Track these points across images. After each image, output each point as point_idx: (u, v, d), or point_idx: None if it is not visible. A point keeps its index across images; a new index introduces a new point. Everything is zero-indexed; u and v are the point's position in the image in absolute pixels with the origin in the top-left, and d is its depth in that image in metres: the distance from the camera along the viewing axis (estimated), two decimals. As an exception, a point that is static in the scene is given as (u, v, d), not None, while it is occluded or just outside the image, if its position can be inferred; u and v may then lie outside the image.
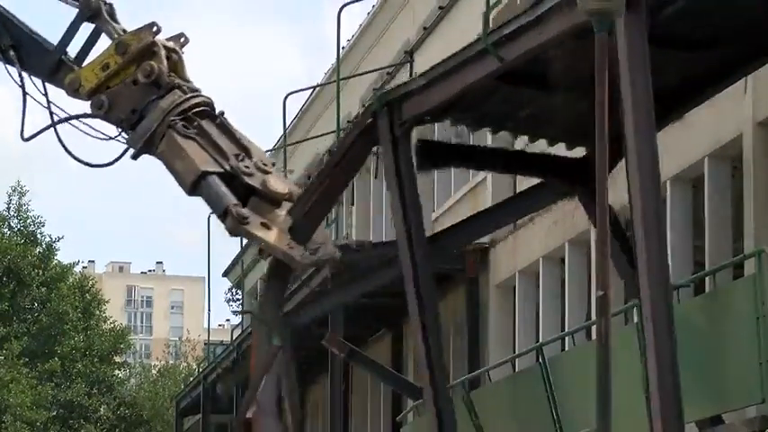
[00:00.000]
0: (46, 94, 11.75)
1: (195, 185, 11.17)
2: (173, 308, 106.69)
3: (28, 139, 11.92)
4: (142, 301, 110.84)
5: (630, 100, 8.26)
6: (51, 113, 11.75)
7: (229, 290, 47.70)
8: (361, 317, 19.66)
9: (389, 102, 10.52)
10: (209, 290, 30.53)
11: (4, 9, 11.87)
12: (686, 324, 10.11)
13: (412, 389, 15.71)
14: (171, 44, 11.61)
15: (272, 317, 11.24)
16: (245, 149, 11.36)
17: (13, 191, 50.26)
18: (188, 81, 11.68)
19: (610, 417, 7.77)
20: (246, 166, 11.19)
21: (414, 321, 10.55)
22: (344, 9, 22.36)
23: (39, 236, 49.55)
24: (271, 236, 10.90)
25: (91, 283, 52.91)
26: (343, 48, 24.99)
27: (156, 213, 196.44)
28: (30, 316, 47.90)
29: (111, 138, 11.59)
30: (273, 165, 11.57)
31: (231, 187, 11.12)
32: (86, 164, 11.88)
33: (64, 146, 11.62)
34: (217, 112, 11.58)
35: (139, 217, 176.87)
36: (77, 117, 11.63)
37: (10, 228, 49.35)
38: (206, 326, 36.07)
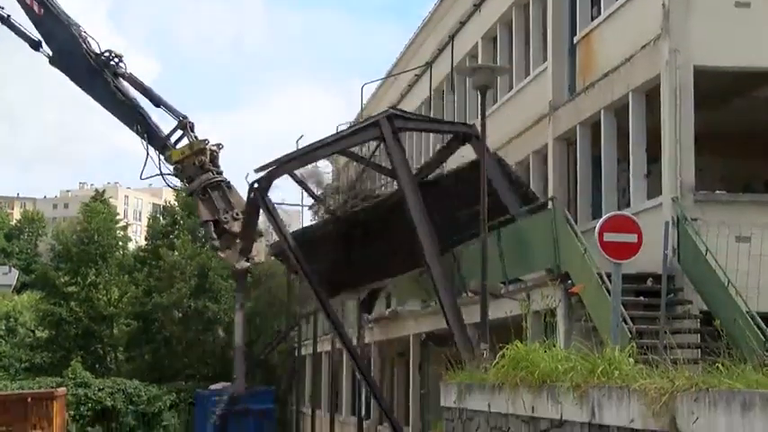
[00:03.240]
0: (159, 159, 24.98)
1: (201, 225, 24.98)
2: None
3: (143, 179, 24.94)
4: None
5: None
6: (160, 168, 24.95)
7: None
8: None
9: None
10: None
11: (145, 113, 25.32)
12: (521, 231, 17.58)
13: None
14: (214, 147, 24.58)
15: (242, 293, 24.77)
16: (230, 205, 23.89)
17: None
18: (217, 167, 24.51)
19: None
20: (225, 217, 23.85)
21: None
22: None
23: None
24: (228, 255, 23.88)
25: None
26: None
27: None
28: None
29: (179, 185, 26.14)
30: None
31: (217, 226, 23.98)
32: (173, 187, 27.87)
33: (165, 181, 24.82)
34: (225, 183, 24.32)
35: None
36: (168, 174, 25.10)
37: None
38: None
